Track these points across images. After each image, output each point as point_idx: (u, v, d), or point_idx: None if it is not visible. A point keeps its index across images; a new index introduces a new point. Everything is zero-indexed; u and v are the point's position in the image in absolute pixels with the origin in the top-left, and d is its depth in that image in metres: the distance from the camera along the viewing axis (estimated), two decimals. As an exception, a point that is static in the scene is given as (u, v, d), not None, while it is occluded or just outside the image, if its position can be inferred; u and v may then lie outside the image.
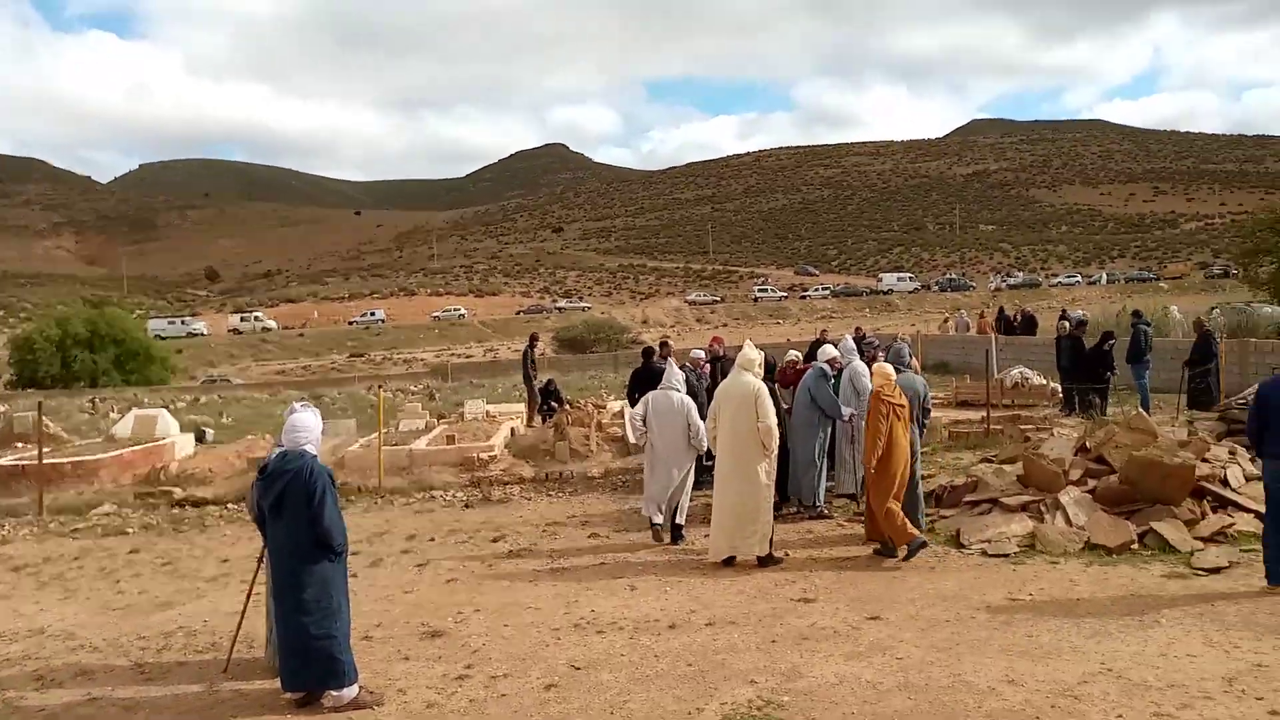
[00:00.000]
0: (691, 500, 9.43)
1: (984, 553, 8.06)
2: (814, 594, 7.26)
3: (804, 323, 71.47)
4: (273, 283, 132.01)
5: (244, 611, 6.32)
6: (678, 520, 9.15)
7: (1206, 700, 4.94)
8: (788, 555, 8.41)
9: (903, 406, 8.30)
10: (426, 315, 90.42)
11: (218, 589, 8.25)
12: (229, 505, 11.81)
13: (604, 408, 16.45)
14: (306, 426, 5.60)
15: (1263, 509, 8.49)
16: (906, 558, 7.99)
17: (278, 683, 5.51)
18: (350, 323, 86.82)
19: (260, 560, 6.06)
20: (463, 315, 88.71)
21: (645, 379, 11.37)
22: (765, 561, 8.13)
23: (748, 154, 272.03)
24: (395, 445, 14.02)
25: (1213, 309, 24.42)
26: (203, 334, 77.38)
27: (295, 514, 5.37)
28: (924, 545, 8.03)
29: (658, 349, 13.27)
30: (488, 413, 17.45)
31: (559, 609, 7.16)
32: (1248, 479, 9.34)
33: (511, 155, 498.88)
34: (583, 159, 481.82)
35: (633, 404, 11.99)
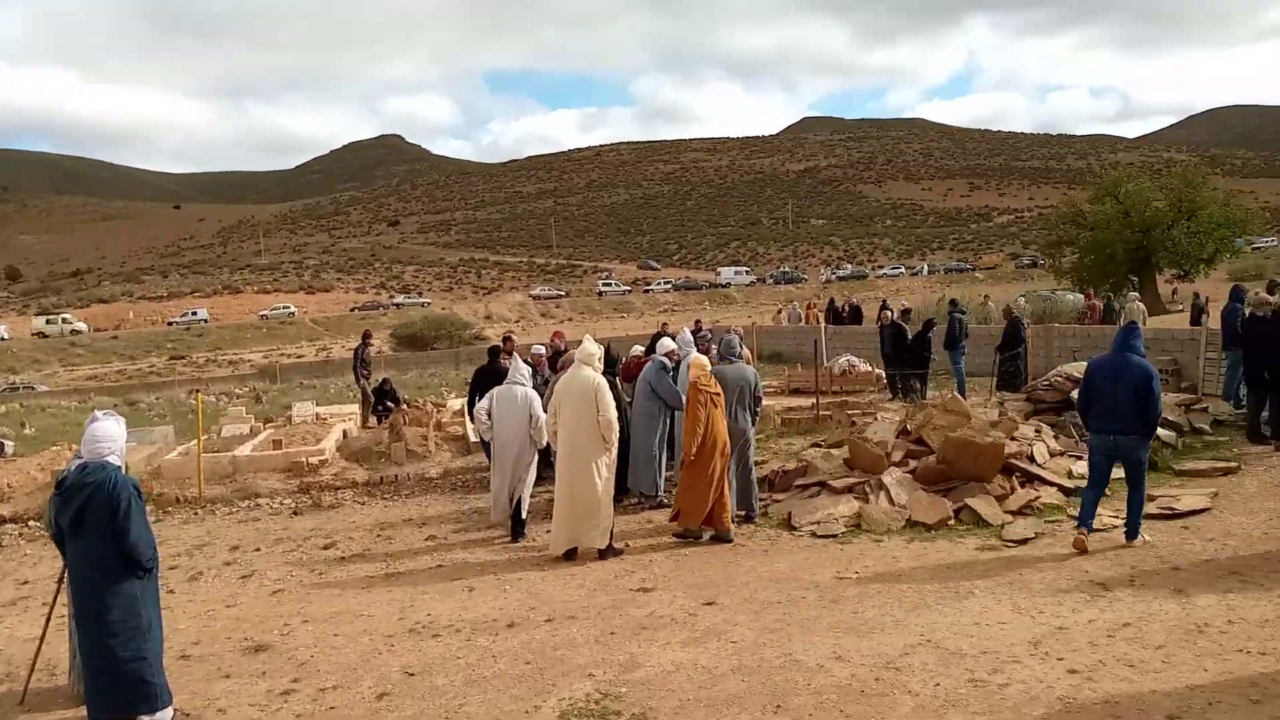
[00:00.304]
0: (533, 496, 9.35)
1: (814, 534, 8.35)
2: (653, 583, 7.33)
3: (648, 316, 72.31)
4: (83, 282, 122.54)
5: (43, 636, 5.83)
6: (520, 514, 9.06)
7: (1015, 664, 5.26)
8: (628, 546, 8.46)
9: (719, 395, 8.50)
10: (253, 314, 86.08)
11: (16, 613, 7.59)
12: (30, 523, 10.87)
13: (444, 406, 16.10)
14: (109, 436, 5.21)
15: (1066, 482, 9.22)
16: (703, 539, 8.43)
17: (83, 711, 5.11)
18: (170, 323, 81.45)
19: (60, 580, 5.60)
20: (292, 313, 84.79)
21: (489, 377, 11.20)
22: (606, 554, 8.15)
23: (589, 148, 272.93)
24: (217, 452, 13.26)
25: (1020, 297, 26.21)
26: (2, 338, 71.00)
27: (98, 530, 4.98)
28: (729, 540, 8.36)
29: (502, 344, 13.08)
30: (318, 415, 16.78)
31: (393, 615, 6.94)
32: (1052, 454, 10.08)
33: (344, 146, 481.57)
34: (420, 151, 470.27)
35: (472, 403, 11.80)
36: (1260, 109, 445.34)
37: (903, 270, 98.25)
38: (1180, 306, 31.77)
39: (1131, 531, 7.48)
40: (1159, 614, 5.88)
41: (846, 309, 29.93)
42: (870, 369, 19.02)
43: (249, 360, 58.39)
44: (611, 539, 8.23)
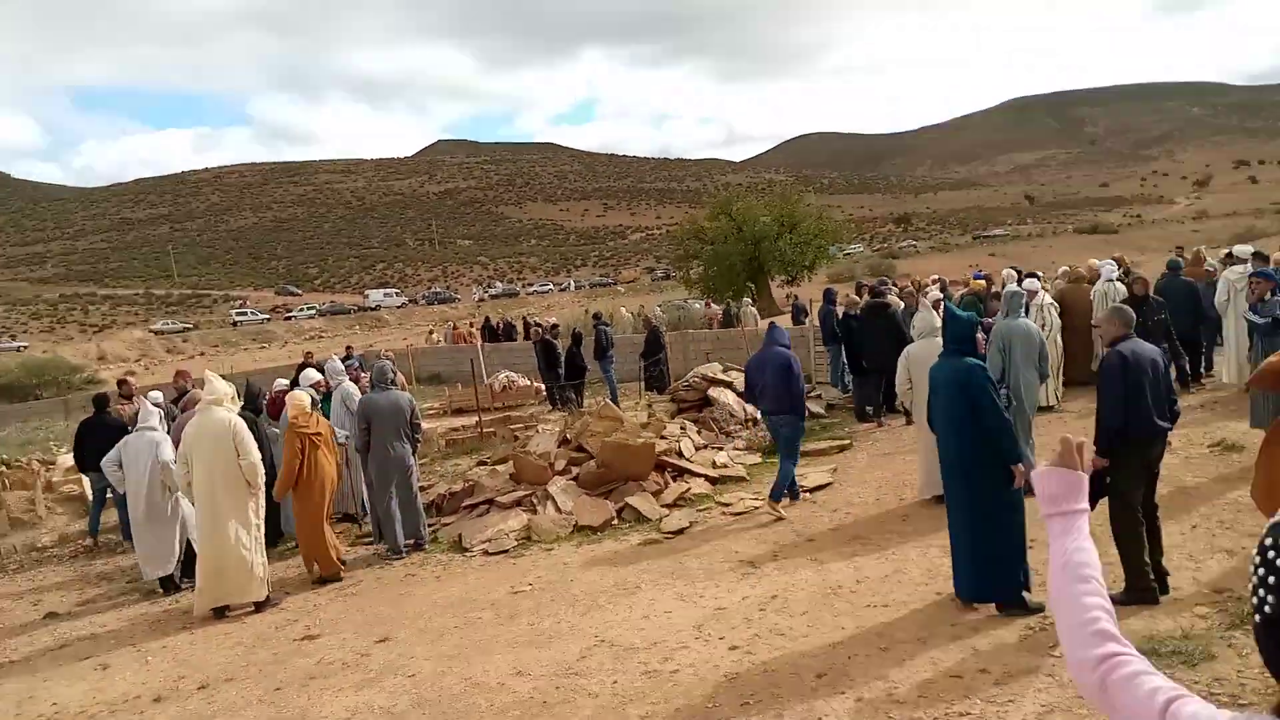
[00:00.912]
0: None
1: (486, 552, 8.30)
2: (319, 629, 6.87)
3: (292, 345, 68.01)
4: None
5: None
6: (167, 571, 8.15)
7: (683, 649, 5.55)
8: (288, 594, 7.88)
9: (319, 435, 8.23)
10: None
11: None
12: None
13: (53, 464, 13.98)
14: None
15: (711, 472, 9.94)
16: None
17: None
18: None
19: None
20: None
21: (96, 431, 10.01)
22: (263, 605, 7.53)
23: (207, 170, 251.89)
24: None
25: (657, 306, 27.94)
26: None
27: None
28: (339, 579, 8.11)
29: (118, 388, 11.65)
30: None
31: (7, 713, 5.89)
32: (697, 448, 10.83)
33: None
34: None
35: (81, 463, 10.56)
36: (840, 135, 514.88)
37: (551, 287, 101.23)
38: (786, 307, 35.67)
39: (774, 493, 8.40)
40: (801, 583, 6.50)
41: (502, 326, 30.29)
42: (529, 383, 19.34)
43: None
44: (268, 588, 7.61)
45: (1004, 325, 8.23)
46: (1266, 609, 1.09)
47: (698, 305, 33.11)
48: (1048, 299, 11.54)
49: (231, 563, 7.41)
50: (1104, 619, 1.41)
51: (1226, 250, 13.28)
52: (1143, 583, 5.35)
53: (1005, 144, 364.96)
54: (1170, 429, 5.58)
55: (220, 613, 7.45)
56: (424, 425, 13.43)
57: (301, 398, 8.47)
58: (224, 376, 8.61)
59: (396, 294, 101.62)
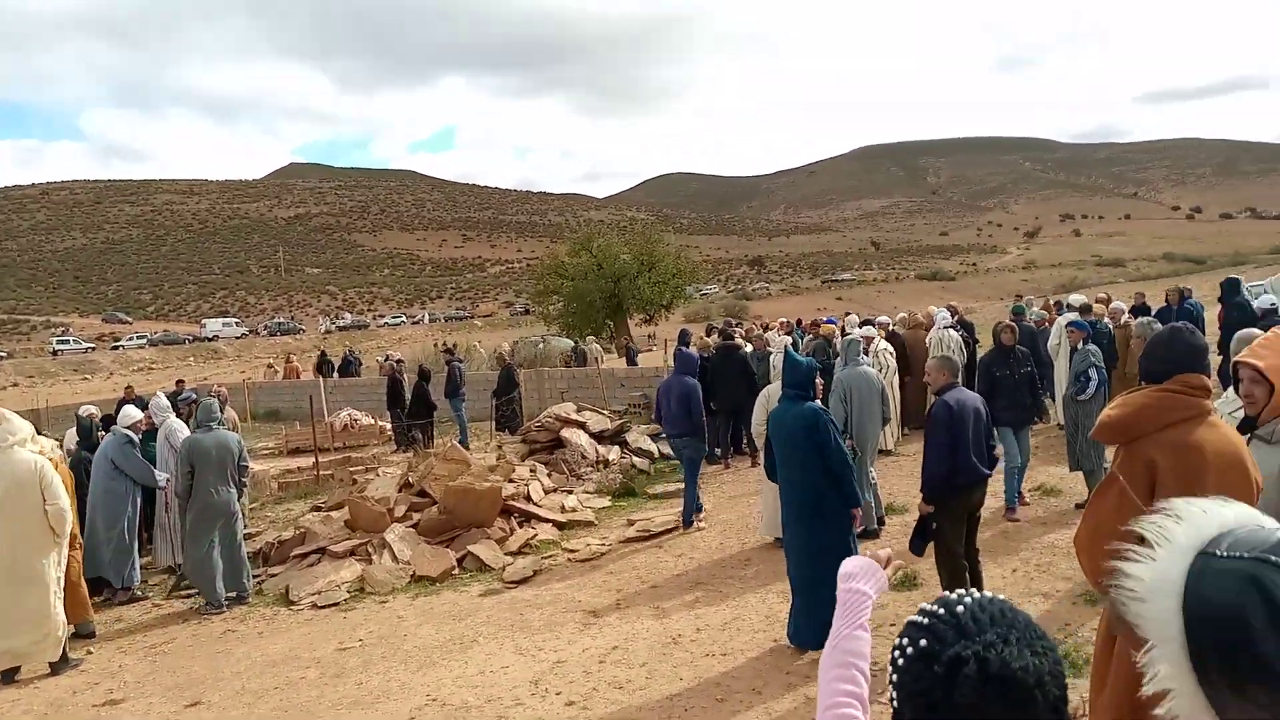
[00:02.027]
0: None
1: (315, 605, 7.85)
2: (123, 693, 6.30)
3: (118, 376, 63.79)
4: None
5: None
6: None
7: (518, 707, 5.35)
8: (90, 653, 7.21)
9: (69, 476, 7.66)
10: None
11: None
12: None
13: None
14: None
15: (559, 518, 9.79)
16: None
17: None
18: None
19: None
20: None
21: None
22: (60, 666, 6.85)
23: (33, 186, 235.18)
24: None
25: (505, 343, 27.63)
26: None
27: None
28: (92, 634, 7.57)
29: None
30: None
31: None
32: (546, 492, 10.66)
33: None
34: None
35: None
36: (699, 176, 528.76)
37: (404, 319, 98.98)
38: (654, 347, 36.05)
39: (686, 520, 9.17)
40: (642, 633, 6.41)
41: (352, 358, 29.30)
42: (374, 421, 18.70)
43: None
44: (66, 648, 6.94)
45: (845, 374, 8.45)
46: (894, 704, 1.13)
47: (558, 341, 33.01)
48: (883, 345, 11.99)
49: (29, 618, 6.72)
50: (849, 707, 1.48)
51: (1055, 300, 14.18)
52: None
53: (854, 190, 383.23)
54: (990, 475, 5.82)
55: (9, 676, 6.74)
56: (257, 467, 12.77)
57: (46, 444, 7.59)
58: (40, 410, 7.87)
59: (236, 323, 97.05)
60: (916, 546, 5.72)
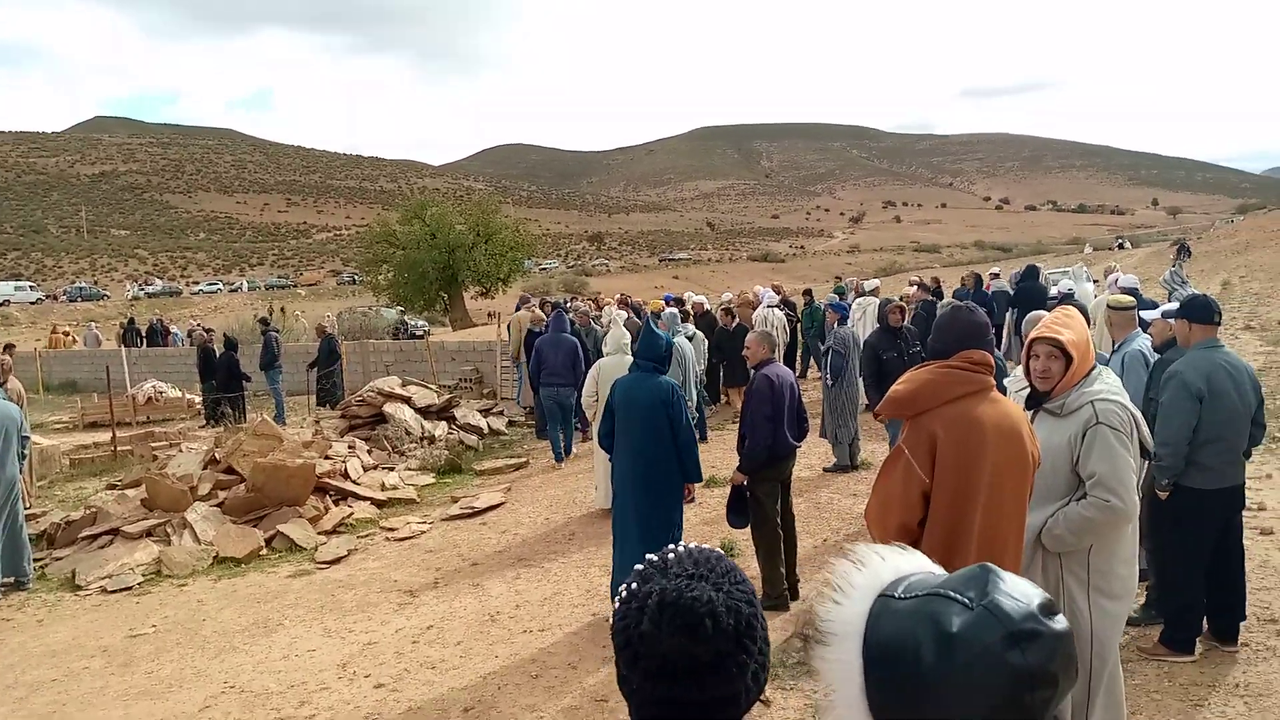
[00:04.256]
0: None
1: (104, 590, 7.29)
2: None
3: (-113, 343, 57.46)
4: None
5: None
6: None
7: (323, 691, 5.14)
8: None
9: None
10: None
11: None
12: None
13: None
14: None
15: (379, 495, 9.49)
16: None
17: None
18: None
19: None
20: None
21: None
22: None
23: None
24: None
25: (328, 314, 26.59)
26: None
27: None
28: None
29: None
30: None
31: None
32: (366, 469, 10.30)
33: None
34: None
35: None
36: (539, 148, 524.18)
37: (221, 286, 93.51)
38: (488, 321, 35.46)
39: (559, 456, 10.45)
40: (459, 611, 6.28)
41: (159, 326, 27.45)
42: (182, 394, 17.58)
43: None
44: None
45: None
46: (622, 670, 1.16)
47: (388, 311, 31.97)
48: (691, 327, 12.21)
49: None
50: None
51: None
52: (776, 590, 5.71)
53: (691, 171, 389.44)
54: (799, 446, 6.01)
55: None
56: (46, 442, 11.78)
57: None
58: None
59: (31, 287, 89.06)
60: (737, 521, 5.82)
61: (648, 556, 1.19)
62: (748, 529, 5.88)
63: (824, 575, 1.12)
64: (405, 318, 31.86)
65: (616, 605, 1.17)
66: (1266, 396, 5.79)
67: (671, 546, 1.20)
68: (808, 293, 15.54)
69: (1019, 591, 1.01)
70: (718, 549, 1.19)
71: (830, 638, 1.07)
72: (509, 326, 14.68)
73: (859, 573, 1.10)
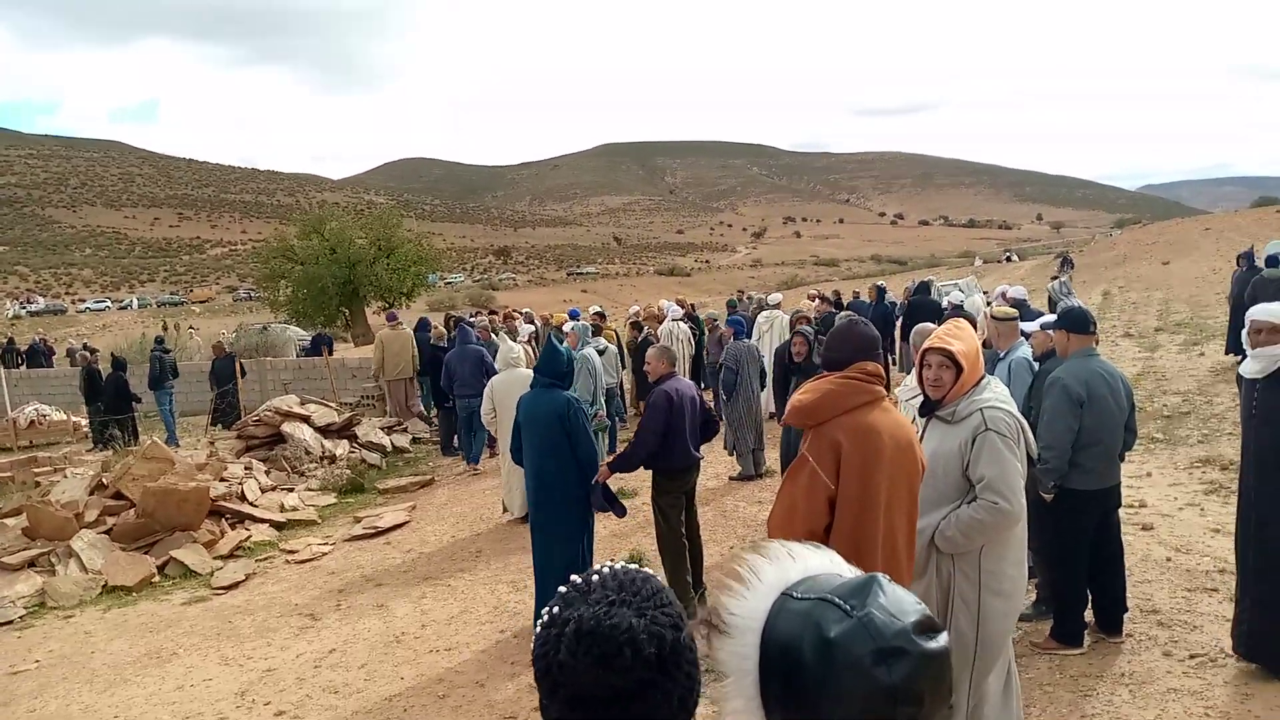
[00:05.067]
0: None
1: (-18, 626, 6.90)
2: None
3: None
4: None
5: None
6: None
7: (221, 721, 4.97)
8: None
9: None
10: None
11: None
12: None
13: None
14: None
15: (278, 517, 9.24)
16: None
17: None
18: None
19: None
20: None
21: None
22: None
23: None
24: None
25: (223, 331, 25.82)
26: None
27: None
28: None
29: None
30: None
31: None
32: (264, 490, 10.00)
33: None
34: None
35: None
36: (441, 163, 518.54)
37: (109, 304, 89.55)
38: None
39: (475, 459, 11.08)
40: (363, 633, 6.16)
41: (41, 346, 26.11)
42: (67, 417, 16.77)
43: None
44: None
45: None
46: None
47: (289, 330, 31.01)
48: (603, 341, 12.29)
49: None
50: None
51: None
52: (684, 598, 5.77)
53: (597, 186, 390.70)
54: (702, 458, 6.12)
55: None
56: (-87, 470, 11.08)
57: None
58: None
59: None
60: (619, 509, 5.85)
61: (572, 578, 1.15)
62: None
63: (733, 566, 1.14)
64: (323, 331, 30.70)
65: (537, 629, 1.13)
66: (1143, 400, 6.13)
67: (597, 567, 1.15)
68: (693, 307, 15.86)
69: (897, 607, 1.02)
70: (646, 569, 1.16)
71: (733, 630, 1.09)
72: (377, 345, 14.40)
73: (768, 567, 1.11)
